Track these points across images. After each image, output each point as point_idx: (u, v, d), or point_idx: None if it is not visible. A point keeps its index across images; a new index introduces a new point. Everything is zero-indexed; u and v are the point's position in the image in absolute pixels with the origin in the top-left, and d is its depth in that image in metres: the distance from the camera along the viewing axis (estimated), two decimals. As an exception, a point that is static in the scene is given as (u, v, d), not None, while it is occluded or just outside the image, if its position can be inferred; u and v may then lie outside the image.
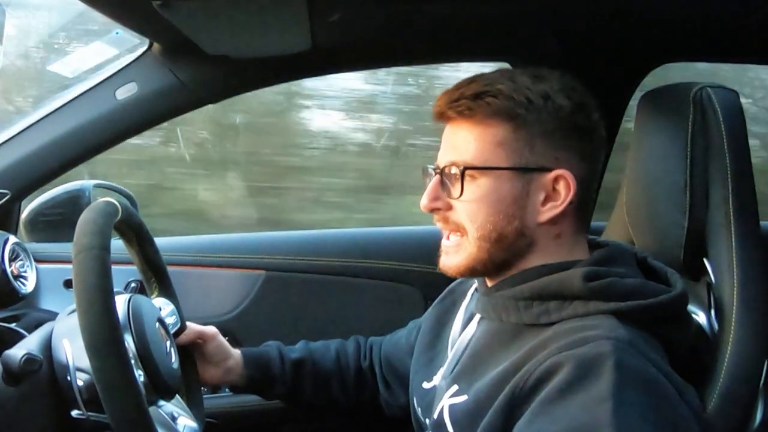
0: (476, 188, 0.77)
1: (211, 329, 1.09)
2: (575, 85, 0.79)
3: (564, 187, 0.77)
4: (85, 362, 0.75)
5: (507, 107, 0.76)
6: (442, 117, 0.81)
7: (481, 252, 0.79)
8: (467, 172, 0.77)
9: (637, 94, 1.33)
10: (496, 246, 0.78)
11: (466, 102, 0.77)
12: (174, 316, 1.04)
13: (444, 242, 0.83)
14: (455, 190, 0.78)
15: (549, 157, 0.77)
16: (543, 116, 0.76)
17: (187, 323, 1.06)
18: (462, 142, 0.78)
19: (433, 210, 0.82)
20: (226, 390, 1.36)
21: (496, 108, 0.76)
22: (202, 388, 1.10)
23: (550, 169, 0.77)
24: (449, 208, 0.80)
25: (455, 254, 0.81)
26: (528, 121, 0.76)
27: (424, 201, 0.81)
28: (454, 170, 0.78)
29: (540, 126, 0.76)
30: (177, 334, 1.03)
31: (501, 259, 0.80)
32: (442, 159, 0.81)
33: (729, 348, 0.78)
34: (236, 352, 1.10)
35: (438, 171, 0.81)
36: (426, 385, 0.91)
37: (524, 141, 0.76)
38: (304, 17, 0.99)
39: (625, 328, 0.70)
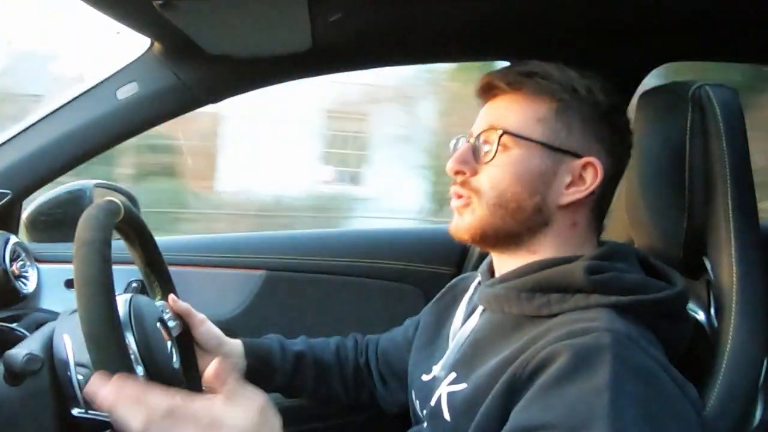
0: (507, 157, 0.80)
1: (200, 315, 1.07)
2: (613, 88, 0.83)
3: (591, 174, 0.79)
4: (85, 357, 0.75)
5: (554, 89, 0.80)
6: (487, 89, 0.84)
7: (494, 218, 0.81)
8: (503, 139, 0.80)
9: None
10: (512, 216, 0.80)
11: (516, 76, 0.81)
12: (176, 319, 1.04)
13: (454, 202, 0.85)
14: (487, 156, 0.80)
15: (583, 144, 0.80)
16: (584, 106, 0.80)
17: (179, 301, 1.04)
18: (504, 111, 0.82)
19: (458, 173, 0.83)
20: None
21: (543, 87, 0.80)
22: (203, 388, 1.10)
23: (581, 156, 0.79)
24: (474, 173, 0.82)
25: (466, 214, 0.83)
26: (570, 107, 0.80)
27: (451, 163, 0.83)
28: (492, 135, 0.80)
29: (580, 114, 0.80)
30: (179, 335, 1.03)
31: (514, 230, 0.81)
32: (478, 127, 0.83)
33: (728, 347, 0.79)
34: (235, 341, 1.09)
35: (471, 138, 0.83)
36: (425, 377, 0.91)
37: (563, 123, 0.80)
38: (304, 17, 0.99)
39: (624, 322, 0.70)
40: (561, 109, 0.80)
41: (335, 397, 1.13)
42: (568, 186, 0.80)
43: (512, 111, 0.81)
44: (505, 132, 0.79)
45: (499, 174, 0.80)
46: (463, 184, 0.83)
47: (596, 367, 0.65)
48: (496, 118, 0.81)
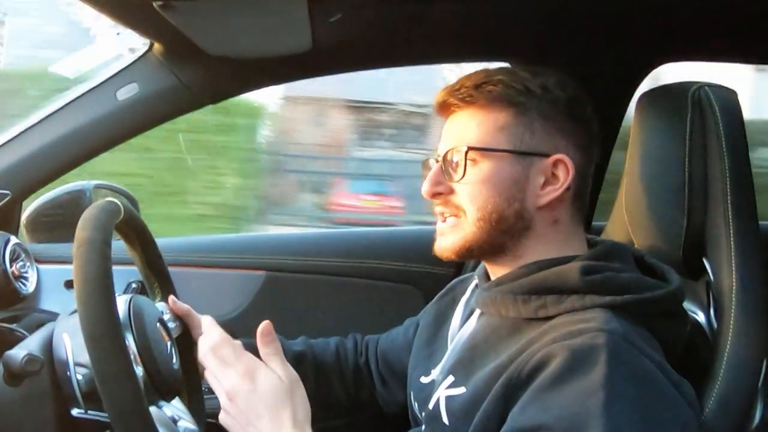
0: (478, 171, 0.80)
1: (200, 316, 1.07)
2: (568, 81, 0.82)
3: (563, 171, 0.79)
4: (84, 357, 0.75)
5: (507, 94, 0.79)
6: (443, 107, 0.84)
7: (480, 232, 0.81)
8: (469, 154, 0.79)
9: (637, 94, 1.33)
10: (496, 227, 0.80)
11: (467, 90, 0.80)
12: (176, 320, 1.04)
13: (439, 225, 0.85)
14: (457, 174, 0.80)
15: (548, 142, 0.80)
16: (542, 104, 0.80)
17: (179, 302, 1.04)
18: (464, 128, 0.82)
19: (434, 195, 0.83)
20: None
21: (496, 94, 0.79)
22: (203, 389, 1.10)
23: (549, 155, 0.79)
24: (450, 192, 0.82)
25: (451, 234, 0.83)
26: (528, 108, 0.79)
27: (426, 187, 0.83)
28: (457, 154, 0.80)
29: (539, 113, 0.80)
30: (179, 336, 1.03)
31: (498, 241, 0.81)
32: (443, 147, 0.83)
33: (728, 347, 0.78)
34: (235, 341, 1.09)
35: (439, 159, 0.83)
36: (424, 379, 0.91)
37: (525, 126, 0.79)
38: (304, 17, 0.99)
39: (620, 322, 0.70)
40: (519, 112, 0.79)
41: (335, 397, 1.13)
42: (543, 186, 0.80)
43: (471, 126, 0.81)
44: (470, 148, 0.79)
45: (475, 190, 0.80)
46: (446, 203, 0.83)
47: (591, 367, 0.65)
48: (459, 136, 0.81)
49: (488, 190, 0.79)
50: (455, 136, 0.82)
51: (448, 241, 0.83)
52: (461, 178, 0.80)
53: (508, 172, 0.79)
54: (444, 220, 0.84)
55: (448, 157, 0.81)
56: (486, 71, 0.82)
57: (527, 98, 0.79)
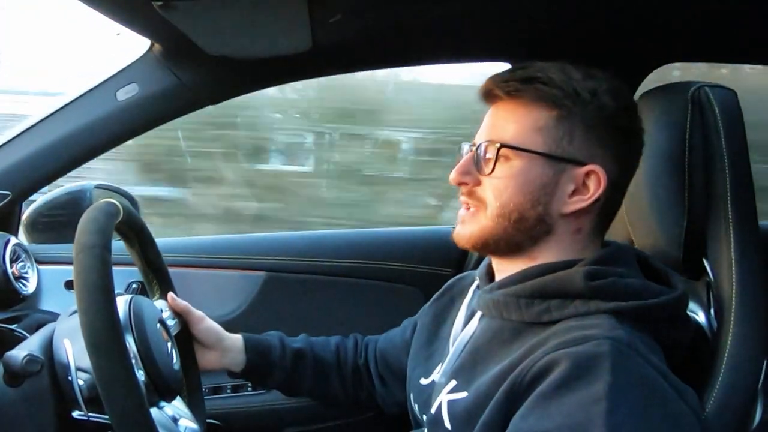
0: (508, 168, 0.78)
1: (198, 312, 1.07)
2: (623, 88, 0.80)
3: (594, 183, 0.77)
4: (85, 362, 0.75)
5: (554, 95, 0.77)
6: (488, 96, 0.82)
7: (497, 228, 0.79)
8: (502, 151, 0.78)
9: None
10: (514, 226, 0.79)
11: (515, 83, 0.78)
12: (175, 318, 1.04)
13: (461, 212, 0.84)
14: (487, 168, 0.79)
15: (585, 151, 0.77)
16: (587, 111, 0.77)
17: (177, 299, 1.05)
18: (503, 122, 0.80)
19: (461, 183, 0.82)
20: (228, 391, 1.36)
21: (543, 94, 0.77)
22: (204, 389, 1.10)
23: (584, 164, 0.77)
24: (477, 183, 0.81)
25: (470, 224, 0.82)
26: (572, 113, 0.77)
27: (454, 174, 0.82)
28: (491, 148, 0.79)
29: (582, 120, 0.77)
30: (178, 335, 1.03)
31: (516, 240, 0.80)
32: (480, 137, 0.82)
33: (728, 347, 0.79)
34: (235, 336, 1.09)
35: (474, 147, 0.82)
36: (424, 381, 0.91)
37: (564, 131, 0.77)
38: (304, 17, 0.99)
39: (624, 329, 0.70)
40: (562, 116, 0.77)
41: (334, 396, 1.13)
42: (572, 195, 0.78)
43: (511, 121, 0.79)
44: (503, 145, 0.78)
45: (501, 185, 0.78)
46: (470, 194, 0.82)
47: (594, 375, 0.64)
48: (496, 132, 0.80)
49: (514, 188, 0.78)
50: (493, 128, 0.81)
51: (466, 230, 0.83)
52: (491, 173, 0.79)
53: (537, 174, 0.77)
54: (468, 209, 0.83)
55: (481, 149, 0.80)
56: (539, 65, 0.79)
57: (573, 102, 0.76)
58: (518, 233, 0.79)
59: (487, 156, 0.79)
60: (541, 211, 0.78)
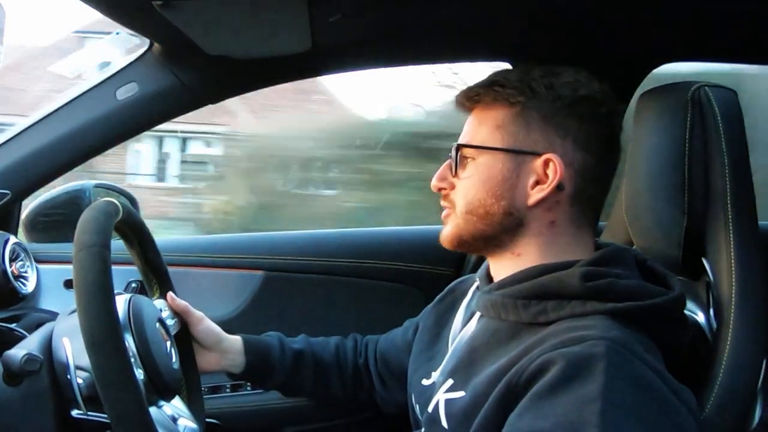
0: (473, 168, 0.83)
1: (198, 313, 1.08)
2: (586, 80, 0.82)
3: (552, 171, 0.79)
4: (84, 360, 0.75)
5: (509, 94, 0.81)
6: (461, 106, 0.87)
7: (468, 225, 0.84)
8: (468, 152, 0.84)
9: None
10: (483, 221, 0.82)
11: (477, 89, 0.84)
12: (175, 317, 1.04)
13: (443, 215, 0.89)
14: (458, 170, 0.84)
15: (544, 142, 0.80)
16: (543, 104, 0.80)
17: (177, 299, 1.05)
18: (471, 127, 0.85)
19: (439, 189, 0.87)
20: (227, 390, 1.36)
21: (499, 95, 0.82)
22: (203, 388, 1.10)
23: (540, 154, 0.80)
24: (452, 187, 0.86)
25: (447, 224, 0.87)
26: (526, 107, 0.81)
27: (433, 182, 0.88)
28: (459, 151, 0.84)
29: (538, 112, 0.80)
30: (178, 335, 1.03)
31: (488, 234, 0.83)
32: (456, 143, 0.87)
33: (727, 347, 0.78)
34: (235, 338, 1.09)
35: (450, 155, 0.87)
36: (425, 382, 0.91)
37: (521, 125, 0.81)
38: (304, 17, 0.99)
39: (620, 329, 0.70)
40: (518, 112, 0.81)
41: (334, 396, 1.13)
42: (534, 185, 0.80)
43: (475, 124, 0.85)
44: (465, 146, 0.83)
45: (468, 185, 0.83)
46: (445, 197, 0.87)
47: (590, 375, 0.65)
48: (466, 135, 0.85)
49: (478, 185, 0.82)
50: (465, 134, 0.86)
51: (445, 231, 0.87)
52: (460, 175, 0.84)
53: (498, 170, 0.81)
54: (443, 211, 0.88)
55: (452, 154, 0.85)
56: (503, 70, 0.85)
57: (528, 98, 0.80)
58: (488, 227, 0.82)
59: (457, 160, 0.84)
60: (505, 204, 0.81)
